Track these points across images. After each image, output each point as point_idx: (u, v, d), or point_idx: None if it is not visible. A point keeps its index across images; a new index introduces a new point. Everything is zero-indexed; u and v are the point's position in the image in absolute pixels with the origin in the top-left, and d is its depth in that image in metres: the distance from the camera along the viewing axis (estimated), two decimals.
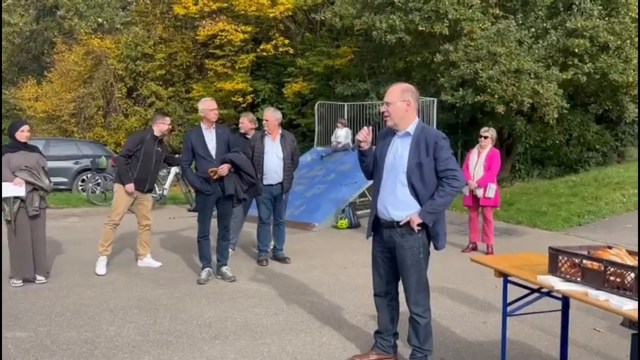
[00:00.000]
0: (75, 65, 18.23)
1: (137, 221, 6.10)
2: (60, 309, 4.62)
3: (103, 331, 4.12)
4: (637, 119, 12.18)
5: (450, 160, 3.27)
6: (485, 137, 6.97)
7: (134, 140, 5.91)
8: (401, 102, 3.31)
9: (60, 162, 12.63)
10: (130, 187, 5.73)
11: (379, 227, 3.42)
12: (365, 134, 3.36)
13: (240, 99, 16.80)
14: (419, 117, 3.48)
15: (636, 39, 10.98)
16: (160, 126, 5.96)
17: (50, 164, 11.66)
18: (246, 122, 6.77)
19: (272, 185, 6.28)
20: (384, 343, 3.58)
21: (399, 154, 3.32)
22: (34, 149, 5.47)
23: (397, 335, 3.63)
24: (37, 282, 5.31)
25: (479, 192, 6.83)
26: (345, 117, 12.72)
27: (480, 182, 6.82)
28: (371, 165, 3.48)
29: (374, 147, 3.51)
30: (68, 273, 5.76)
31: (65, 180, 12.85)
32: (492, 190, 6.82)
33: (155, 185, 10.83)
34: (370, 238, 3.55)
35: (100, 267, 5.76)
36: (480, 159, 6.91)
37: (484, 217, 7.01)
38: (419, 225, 3.23)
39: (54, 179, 12.07)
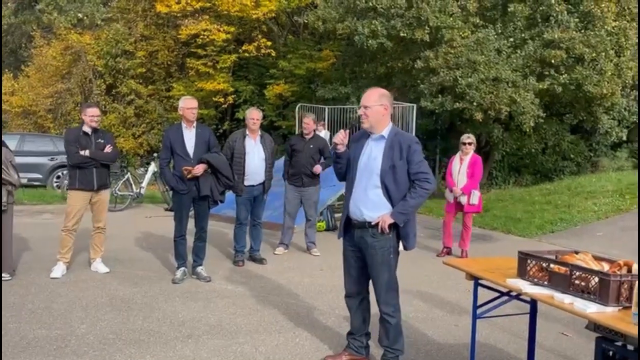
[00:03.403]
0: (54, 60, 17.97)
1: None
2: (30, 305, 4.55)
3: (74, 329, 4.07)
4: (609, 130, 12.47)
5: (423, 164, 3.36)
6: (470, 144, 7.03)
7: (68, 141, 5.52)
8: (379, 106, 3.38)
9: (36, 158, 12.43)
10: (86, 152, 5.43)
11: (351, 228, 3.49)
12: (342, 137, 3.44)
13: (222, 100, 16.74)
14: (396, 122, 3.55)
15: (611, 52, 11.28)
16: (85, 119, 5.53)
17: (25, 160, 11.56)
18: (312, 123, 6.93)
19: (253, 186, 6.29)
20: (355, 344, 3.62)
21: (372, 156, 3.39)
22: None
23: (369, 336, 3.67)
24: (2, 279, 5.18)
25: (463, 200, 6.90)
26: (326, 120, 12.79)
27: (464, 189, 6.87)
28: (345, 168, 3.54)
29: (348, 150, 3.57)
30: (40, 270, 5.66)
31: (39, 176, 12.65)
32: (475, 197, 6.91)
33: (132, 183, 10.83)
34: (342, 238, 3.60)
35: (55, 272, 5.48)
36: (462, 166, 6.96)
37: (463, 223, 7.08)
38: (389, 226, 3.30)
39: (28, 175, 11.96)
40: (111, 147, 5.65)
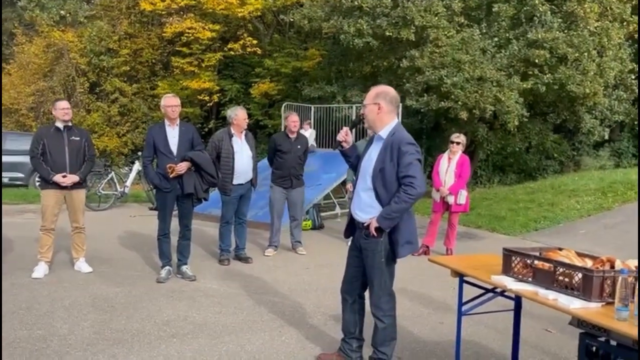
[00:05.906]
0: (36, 57, 17.71)
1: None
2: (11, 306, 4.47)
3: (56, 329, 4.01)
4: (592, 129, 12.62)
5: (411, 167, 3.16)
6: (458, 143, 7.00)
7: (34, 138, 5.47)
8: (372, 105, 3.32)
9: (17, 157, 12.23)
10: (59, 177, 5.35)
11: (354, 228, 3.49)
12: (344, 134, 3.41)
13: (207, 98, 16.63)
14: None
15: (593, 52, 11.41)
16: (57, 113, 5.43)
17: (6, 159, 11.32)
18: (298, 120, 6.91)
19: (242, 184, 6.26)
20: (345, 346, 3.55)
21: (370, 157, 3.34)
22: None
23: (362, 341, 3.56)
24: None
25: (450, 199, 6.89)
26: (312, 119, 12.77)
27: (452, 189, 6.86)
28: (356, 163, 3.53)
29: (355, 146, 3.56)
30: (22, 270, 5.57)
31: (21, 175, 12.47)
32: (463, 197, 6.91)
33: (116, 182, 10.70)
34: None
35: (37, 272, 5.41)
36: (450, 166, 6.93)
37: (449, 222, 7.09)
38: (378, 229, 3.23)
39: (10, 174, 11.72)
40: (80, 174, 5.48)
